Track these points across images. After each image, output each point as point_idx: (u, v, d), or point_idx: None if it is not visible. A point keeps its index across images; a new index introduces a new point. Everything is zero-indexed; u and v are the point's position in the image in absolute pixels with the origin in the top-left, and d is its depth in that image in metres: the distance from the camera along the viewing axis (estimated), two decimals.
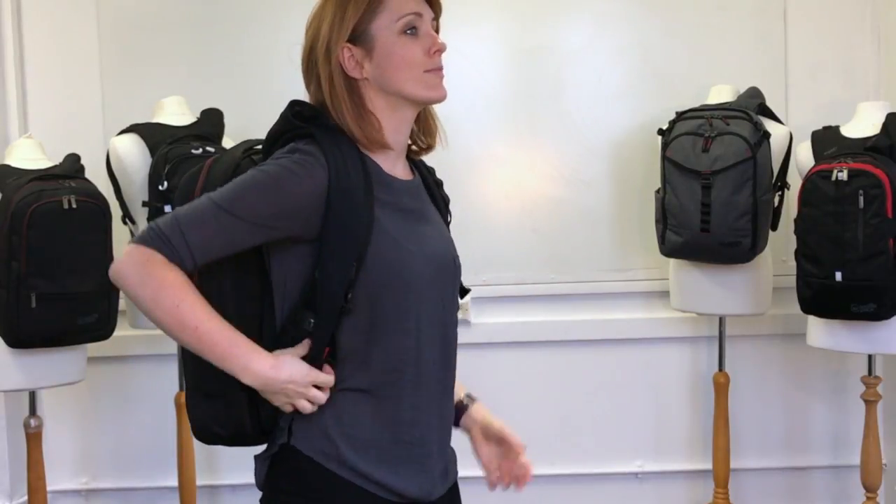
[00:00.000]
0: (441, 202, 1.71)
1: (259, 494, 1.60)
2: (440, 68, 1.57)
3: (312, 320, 1.48)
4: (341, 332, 1.50)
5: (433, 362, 1.58)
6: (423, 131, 1.66)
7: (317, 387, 1.49)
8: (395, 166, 1.60)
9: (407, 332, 1.53)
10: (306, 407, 1.49)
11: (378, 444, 1.53)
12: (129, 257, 1.46)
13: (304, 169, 1.48)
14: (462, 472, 1.69)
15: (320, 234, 1.48)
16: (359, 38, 1.53)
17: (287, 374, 1.47)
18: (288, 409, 1.50)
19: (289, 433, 1.53)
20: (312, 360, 1.49)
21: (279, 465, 1.55)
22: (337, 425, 1.52)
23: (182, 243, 1.44)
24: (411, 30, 1.54)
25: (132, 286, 1.46)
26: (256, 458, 1.59)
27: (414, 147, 1.67)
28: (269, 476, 1.56)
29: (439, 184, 1.73)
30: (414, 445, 1.56)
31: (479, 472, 1.72)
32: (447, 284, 1.63)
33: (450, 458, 1.66)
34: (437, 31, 1.61)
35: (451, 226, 1.71)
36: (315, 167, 1.48)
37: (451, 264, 1.64)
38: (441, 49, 1.56)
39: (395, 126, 1.58)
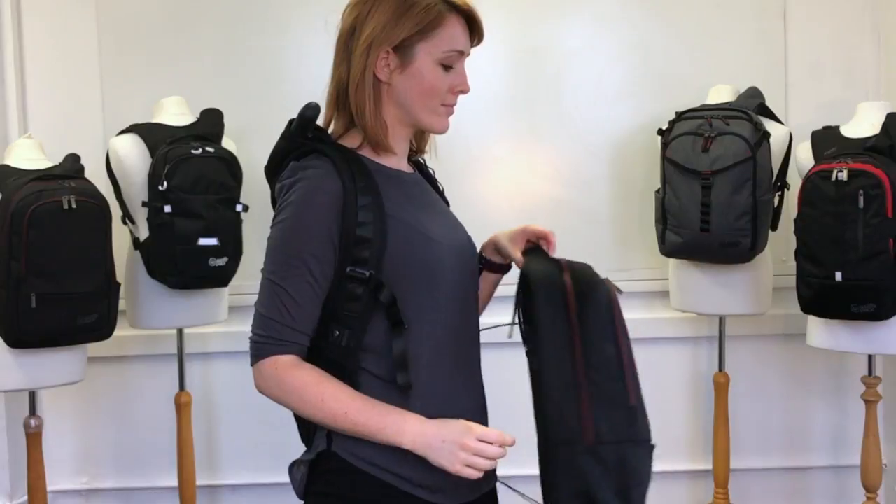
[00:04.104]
0: (440, 191, 1.76)
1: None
2: (453, 105, 1.63)
3: (337, 332, 1.50)
4: (369, 328, 1.51)
5: (458, 348, 1.60)
6: (418, 139, 1.72)
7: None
8: (399, 165, 1.65)
9: (433, 321, 1.55)
10: (477, 466, 1.46)
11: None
12: (261, 379, 1.51)
13: (316, 193, 1.49)
14: None
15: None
16: (401, 49, 1.57)
17: (437, 426, 1.47)
18: (465, 472, 1.46)
19: (328, 439, 1.54)
20: (347, 355, 1.51)
21: (320, 471, 1.56)
22: None
23: (285, 329, 1.48)
24: (448, 62, 1.59)
25: (281, 401, 1.52)
26: (293, 465, 1.61)
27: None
28: (311, 482, 1.57)
29: (433, 173, 1.78)
30: None
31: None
32: (466, 267, 1.65)
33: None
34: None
35: None
36: (325, 179, 1.50)
37: (468, 245, 1.67)
38: (465, 91, 1.63)
39: (398, 134, 1.63)
